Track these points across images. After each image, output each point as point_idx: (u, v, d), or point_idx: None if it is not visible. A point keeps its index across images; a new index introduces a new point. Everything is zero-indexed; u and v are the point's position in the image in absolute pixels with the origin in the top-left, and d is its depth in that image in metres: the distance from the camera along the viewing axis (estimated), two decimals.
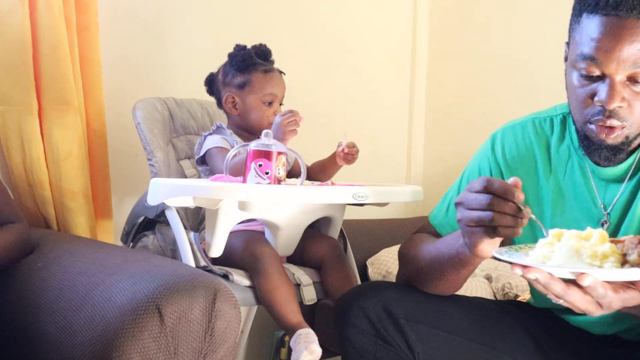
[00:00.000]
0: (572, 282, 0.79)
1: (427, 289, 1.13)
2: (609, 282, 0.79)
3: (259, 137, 1.33)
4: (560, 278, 0.79)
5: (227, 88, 1.61)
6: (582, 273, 0.76)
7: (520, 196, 0.85)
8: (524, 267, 0.79)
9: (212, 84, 1.67)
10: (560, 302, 0.81)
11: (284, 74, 1.64)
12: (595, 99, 0.96)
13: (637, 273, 0.76)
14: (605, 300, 0.80)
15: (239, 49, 1.60)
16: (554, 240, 0.83)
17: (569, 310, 1.15)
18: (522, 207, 0.85)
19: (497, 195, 0.86)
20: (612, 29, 0.92)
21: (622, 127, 0.96)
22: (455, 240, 1.02)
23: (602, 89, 0.95)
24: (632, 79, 0.94)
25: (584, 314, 1.12)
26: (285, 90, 1.63)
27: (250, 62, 1.58)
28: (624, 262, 0.79)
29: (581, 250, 0.79)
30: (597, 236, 0.80)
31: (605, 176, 1.05)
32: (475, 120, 2.54)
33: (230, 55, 1.61)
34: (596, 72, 0.95)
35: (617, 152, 1.00)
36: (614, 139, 0.97)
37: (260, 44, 1.64)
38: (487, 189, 0.87)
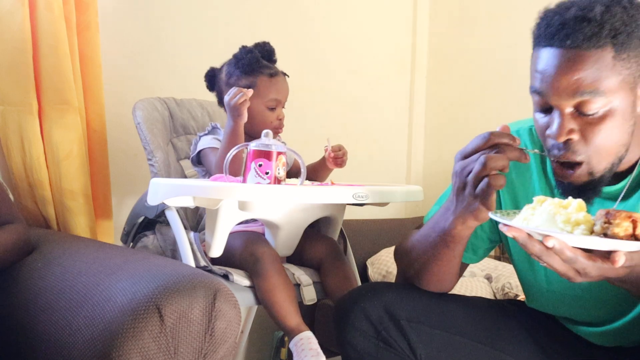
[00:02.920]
0: None
1: (423, 280, 1.12)
2: (583, 250, 0.80)
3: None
4: (539, 241, 0.81)
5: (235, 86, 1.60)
6: (547, 235, 0.78)
7: (517, 140, 0.91)
8: (507, 226, 0.82)
9: (212, 80, 1.66)
10: (544, 265, 0.82)
11: (288, 76, 1.63)
12: (547, 132, 0.95)
13: (594, 241, 0.78)
14: (579, 266, 0.80)
15: (246, 51, 1.58)
16: (537, 205, 0.86)
17: (570, 320, 1.16)
18: (523, 149, 0.91)
19: (502, 143, 0.91)
20: (550, 60, 0.92)
21: (581, 163, 0.93)
22: (442, 218, 1.02)
23: (552, 121, 0.94)
24: (579, 110, 0.91)
25: (587, 325, 1.12)
26: (288, 93, 1.62)
27: (257, 65, 1.57)
28: (592, 232, 0.81)
29: (556, 216, 0.82)
30: (575, 205, 0.83)
31: (601, 193, 1.02)
32: (475, 120, 2.54)
33: (236, 57, 1.59)
34: (546, 105, 0.95)
35: (585, 192, 0.96)
36: (576, 177, 0.95)
37: (264, 43, 1.63)
38: (491, 141, 0.91)
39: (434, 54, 2.77)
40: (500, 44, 2.46)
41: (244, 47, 1.59)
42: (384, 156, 2.69)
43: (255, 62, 1.57)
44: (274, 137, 1.58)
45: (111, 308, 0.94)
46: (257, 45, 1.62)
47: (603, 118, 0.91)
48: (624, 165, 0.99)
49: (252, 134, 1.55)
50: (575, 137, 0.92)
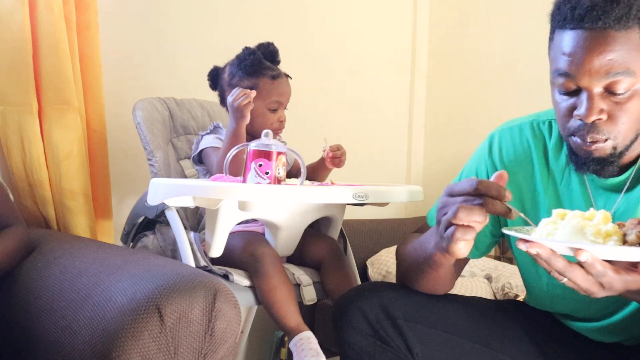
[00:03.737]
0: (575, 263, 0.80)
1: (417, 287, 1.13)
2: (609, 262, 0.79)
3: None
4: (563, 257, 0.80)
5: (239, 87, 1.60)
6: (580, 249, 0.77)
7: (508, 195, 0.86)
8: (527, 241, 0.80)
9: (215, 79, 1.66)
10: (564, 281, 0.81)
11: (291, 77, 1.63)
12: (575, 112, 0.95)
13: (638, 252, 0.76)
14: (606, 280, 0.79)
15: (249, 53, 1.57)
16: (557, 219, 0.84)
17: (569, 316, 1.15)
18: (511, 208, 0.86)
19: (488, 195, 0.86)
20: (580, 42, 0.91)
21: (606, 140, 0.94)
22: (428, 240, 1.01)
23: (580, 102, 0.94)
24: (609, 90, 0.92)
25: (586, 321, 1.12)
26: (290, 95, 1.62)
27: (259, 67, 1.57)
28: (624, 243, 0.80)
29: (585, 229, 0.80)
30: (601, 216, 0.81)
31: (604, 185, 1.03)
32: (475, 120, 2.54)
33: (239, 58, 1.58)
34: (573, 87, 0.95)
35: (605, 165, 0.97)
36: (600, 150, 0.95)
37: (268, 43, 1.62)
38: (478, 191, 0.86)
39: (434, 54, 2.77)
40: (500, 44, 2.46)
41: (247, 48, 1.59)
42: (384, 156, 2.69)
43: (258, 63, 1.57)
44: (274, 137, 1.58)
45: (111, 308, 0.94)
46: (260, 46, 1.62)
47: (630, 98, 0.92)
48: (627, 157, 1.00)
49: (252, 135, 1.54)
50: (604, 117, 0.93)
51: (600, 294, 0.81)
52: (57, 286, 1.09)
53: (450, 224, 0.88)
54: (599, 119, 0.93)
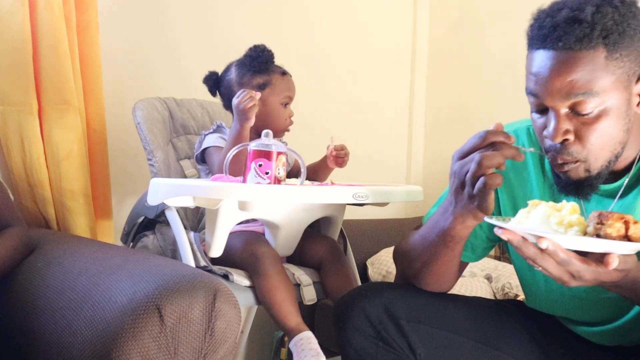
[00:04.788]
0: None
1: (422, 280, 1.12)
2: (583, 254, 0.81)
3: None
4: (534, 245, 0.82)
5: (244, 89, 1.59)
6: (541, 237, 0.78)
7: (512, 138, 0.89)
8: (501, 229, 0.82)
9: (216, 83, 1.65)
10: (540, 269, 0.82)
11: (290, 75, 1.65)
12: (544, 132, 0.96)
13: (587, 242, 0.78)
14: (573, 269, 0.80)
15: (261, 50, 1.59)
16: (531, 208, 0.87)
17: (569, 320, 1.15)
18: (519, 147, 0.91)
19: (498, 141, 0.89)
20: (543, 62, 0.92)
21: (576, 161, 0.94)
22: (439, 220, 1.02)
23: (549, 121, 0.94)
24: (575, 110, 0.92)
25: (586, 325, 1.12)
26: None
27: (271, 64, 1.60)
28: (585, 234, 0.82)
29: (550, 218, 0.82)
30: (569, 207, 0.83)
31: (599, 191, 1.03)
32: (475, 120, 2.54)
33: (250, 56, 1.59)
34: (542, 106, 0.95)
35: (581, 188, 0.97)
36: (573, 172, 0.96)
37: (262, 45, 1.63)
38: (488, 139, 0.89)
39: (434, 54, 2.77)
40: (500, 44, 2.46)
41: (256, 47, 1.60)
42: (384, 156, 2.69)
43: (270, 60, 1.60)
44: (282, 135, 1.60)
45: (111, 308, 0.94)
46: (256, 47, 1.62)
47: (598, 117, 0.91)
48: (621, 164, 1.00)
49: (261, 131, 1.55)
50: (571, 137, 0.93)
51: (572, 283, 0.82)
52: (57, 286, 1.09)
53: (475, 179, 0.89)
54: (567, 140, 0.93)
